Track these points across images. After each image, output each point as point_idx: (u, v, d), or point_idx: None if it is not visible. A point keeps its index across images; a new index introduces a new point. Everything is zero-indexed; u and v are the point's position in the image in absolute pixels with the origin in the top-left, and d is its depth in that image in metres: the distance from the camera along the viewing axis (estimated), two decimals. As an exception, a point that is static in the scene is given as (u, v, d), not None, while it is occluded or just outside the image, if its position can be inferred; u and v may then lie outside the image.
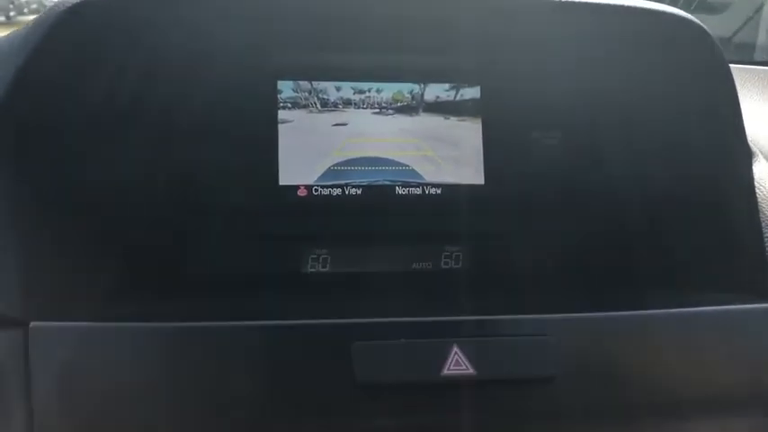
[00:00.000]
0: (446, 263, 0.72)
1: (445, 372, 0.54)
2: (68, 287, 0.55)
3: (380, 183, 0.71)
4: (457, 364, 0.54)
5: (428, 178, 0.72)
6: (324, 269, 0.70)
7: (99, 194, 0.57)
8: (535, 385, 0.55)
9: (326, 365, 0.53)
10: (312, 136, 0.70)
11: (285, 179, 0.68)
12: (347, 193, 0.70)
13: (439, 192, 0.72)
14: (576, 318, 0.57)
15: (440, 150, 0.72)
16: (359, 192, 0.70)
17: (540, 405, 0.55)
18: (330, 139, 0.70)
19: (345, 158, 0.71)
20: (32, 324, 0.53)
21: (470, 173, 0.73)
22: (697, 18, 0.67)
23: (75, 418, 0.51)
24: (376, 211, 0.70)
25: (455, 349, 0.55)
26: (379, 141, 0.72)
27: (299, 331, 0.54)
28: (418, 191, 0.72)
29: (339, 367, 0.53)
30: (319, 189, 0.69)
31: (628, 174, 0.69)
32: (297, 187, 0.69)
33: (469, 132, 0.73)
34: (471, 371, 0.54)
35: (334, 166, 0.70)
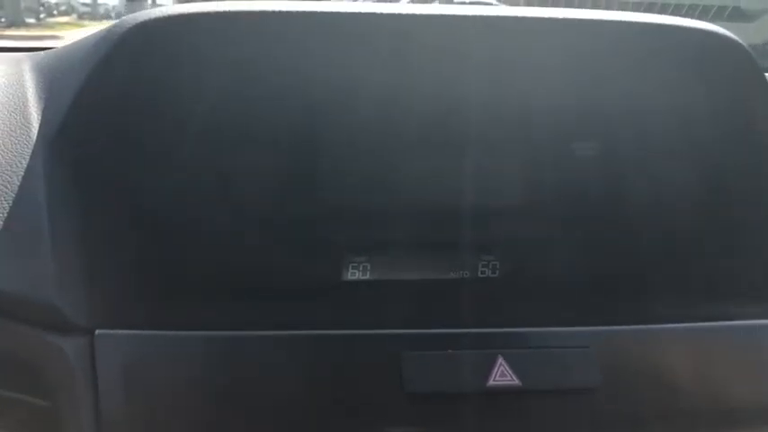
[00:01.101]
0: (483, 272, 0.73)
1: (491, 382, 0.56)
2: (131, 296, 0.57)
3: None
4: (502, 375, 0.56)
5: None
6: (364, 277, 0.71)
7: (160, 205, 0.59)
8: (578, 396, 0.56)
9: (375, 375, 0.55)
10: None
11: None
12: (386, 200, 0.71)
13: (475, 200, 0.73)
14: (618, 330, 0.58)
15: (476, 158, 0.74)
16: (398, 200, 0.72)
17: (582, 415, 0.56)
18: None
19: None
20: (98, 332, 0.55)
21: (508, 182, 0.74)
22: (732, 26, 0.68)
23: (140, 421, 0.53)
24: (414, 219, 0.72)
25: (500, 360, 0.56)
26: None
27: (348, 341, 0.56)
28: (455, 199, 0.73)
29: (387, 377, 0.55)
30: (360, 196, 0.71)
31: (667, 186, 0.70)
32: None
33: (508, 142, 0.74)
34: (516, 381, 0.56)
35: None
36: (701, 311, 0.61)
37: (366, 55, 0.65)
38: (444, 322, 0.58)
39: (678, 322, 0.59)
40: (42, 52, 0.73)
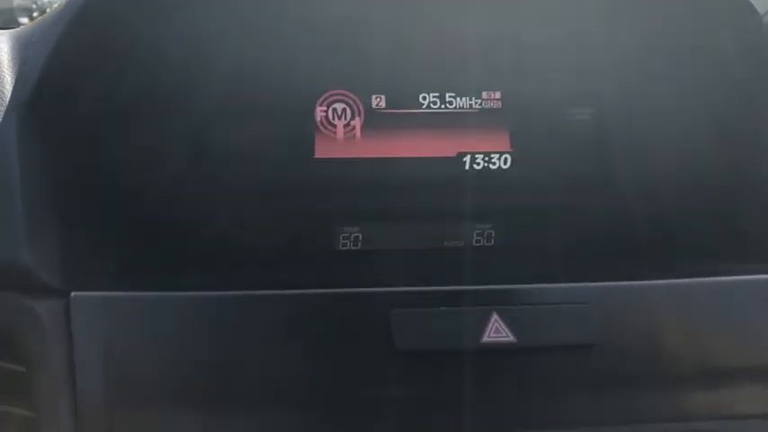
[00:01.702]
0: (478, 241, 0.71)
1: (485, 339, 0.53)
2: (107, 259, 0.55)
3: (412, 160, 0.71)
4: (497, 331, 0.54)
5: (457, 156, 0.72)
6: (355, 247, 0.69)
7: (137, 166, 0.58)
8: (574, 352, 0.54)
9: (367, 332, 0.53)
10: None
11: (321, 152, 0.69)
12: (380, 170, 0.70)
13: (469, 169, 0.71)
14: (616, 286, 0.56)
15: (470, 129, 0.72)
16: (392, 169, 0.70)
17: (578, 372, 0.54)
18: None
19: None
20: (73, 294, 0.53)
21: (501, 150, 0.72)
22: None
23: (117, 385, 0.51)
24: (408, 189, 0.70)
25: (495, 317, 0.54)
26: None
27: (338, 299, 0.54)
28: (449, 168, 0.72)
29: (379, 334, 0.53)
30: (353, 166, 0.69)
31: (664, 147, 0.69)
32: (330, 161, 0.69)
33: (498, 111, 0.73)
34: (511, 338, 0.54)
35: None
36: (697, 268, 0.60)
37: (350, 5, 0.64)
38: (437, 281, 0.55)
39: (675, 278, 0.57)
40: (20, 27, 0.72)
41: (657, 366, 0.55)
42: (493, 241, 0.71)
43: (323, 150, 0.71)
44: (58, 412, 0.51)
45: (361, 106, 0.71)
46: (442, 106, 0.72)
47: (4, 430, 0.53)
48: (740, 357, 0.55)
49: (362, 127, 0.72)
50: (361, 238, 0.71)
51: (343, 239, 0.71)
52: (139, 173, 0.59)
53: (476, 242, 0.71)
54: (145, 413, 0.52)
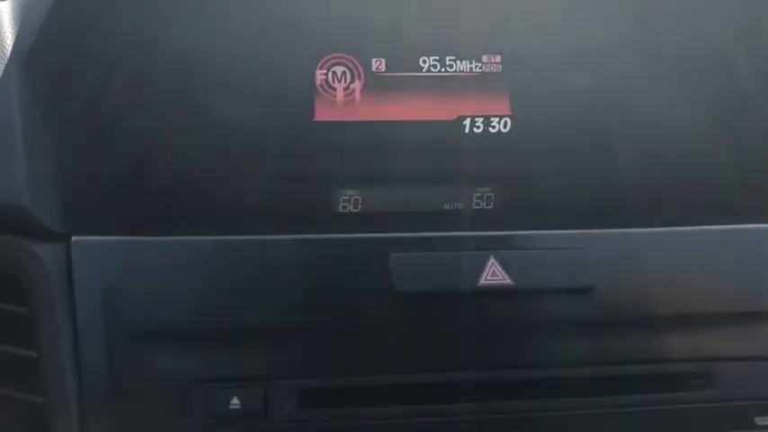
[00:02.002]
0: (477, 203, 0.71)
1: (482, 281, 0.53)
2: (107, 203, 0.55)
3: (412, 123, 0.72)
4: (494, 274, 0.54)
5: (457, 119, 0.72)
6: (355, 210, 0.70)
7: (134, 117, 0.58)
8: (570, 296, 0.54)
9: (367, 275, 0.53)
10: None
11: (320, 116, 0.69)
12: (380, 133, 0.70)
13: (468, 132, 0.72)
14: (609, 233, 0.56)
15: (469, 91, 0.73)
16: (392, 132, 0.70)
17: (573, 315, 0.54)
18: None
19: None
20: (74, 238, 0.54)
21: (501, 114, 0.73)
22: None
23: (118, 329, 0.52)
24: (407, 152, 0.70)
25: (492, 260, 0.54)
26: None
27: (339, 244, 0.55)
28: (448, 131, 0.72)
29: (380, 277, 0.53)
30: (353, 128, 0.70)
31: (655, 96, 0.69)
32: (330, 124, 0.69)
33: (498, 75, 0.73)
34: (508, 281, 0.54)
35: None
36: (690, 216, 0.60)
37: None
38: (437, 228, 0.56)
39: (668, 226, 0.57)
40: None
41: (647, 309, 0.55)
42: (492, 204, 0.71)
43: (323, 113, 0.72)
44: (60, 352, 0.52)
45: (361, 69, 0.72)
46: (442, 70, 0.73)
47: (7, 370, 0.53)
48: (723, 302, 0.55)
49: (362, 90, 0.72)
50: (360, 200, 0.71)
51: (342, 202, 0.71)
52: (138, 121, 0.59)
53: (475, 205, 0.71)
54: (143, 351, 0.52)
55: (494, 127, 0.73)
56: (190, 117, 0.61)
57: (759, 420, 0.54)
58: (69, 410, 0.52)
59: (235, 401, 0.52)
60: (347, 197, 0.71)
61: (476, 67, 0.73)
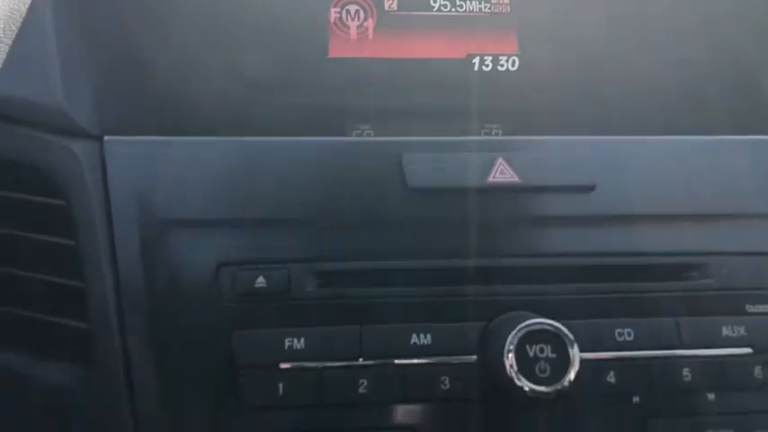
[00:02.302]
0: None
1: (491, 179, 0.55)
2: (139, 102, 0.58)
3: (422, 61, 0.74)
4: (502, 172, 0.55)
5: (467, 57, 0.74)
6: None
7: (164, 23, 0.60)
8: (574, 194, 0.56)
9: (381, 173, 0.55)
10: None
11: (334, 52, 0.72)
12: (392, 70, 0.72)
13: (478, 70, 0.74)
14: (616, 140, 0.58)
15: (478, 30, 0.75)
16: (403, 69, 0.73)
17: (577, 212, 0.56)
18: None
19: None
20: (107, 138, 0.56)
21: (509, 53, 0.75)
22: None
23: (149, 218, 0.53)
24: (418, 89, 0.72)
25: (500, 160, 0.56)
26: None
27: (355, 146, 0.57)
28: (458, 69, 0.74)
29: (392, 174, 0.55)
30: (365, 66, 0.72)
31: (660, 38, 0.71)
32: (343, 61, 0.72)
33: (507, 15, 0.76)
34: (516, 179, 0.55)
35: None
36: (691, 124, 0.62)
37: None
38: (447, 134, 0.58)
39: (669, 134, 0.59)
40: None
41: (645, 207, 0.57)
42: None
43: (336, 50, 0.74)
44: (96, 240, 0.54)
45: (373, 8, 0.75)
46: (453, 9, 0.75)
47: (47, 258, 0.55)
48: (714, 204, 0.57)
49: (375, 28, 0.75)
50: (372, 135, 0.74)
51: (355, 136, 0.73)
52: (167, 30, 0.61)
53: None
54: (174, 238, 0.54)
55: (502, 65, 0.75)
56: (213, 54, 0.64)
57: (750, 308, 0.56)
58: (105, 291, 0.53)
59: (260, 280, 0.53)
60: (360, 131, 0.74)
61: (485, 6, 0.75)
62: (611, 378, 0.54)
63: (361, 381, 0.53)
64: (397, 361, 0.53)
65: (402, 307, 0.54)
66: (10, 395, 0.56)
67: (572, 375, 0.50)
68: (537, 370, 0.51)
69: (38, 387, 0.55)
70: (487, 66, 0.75)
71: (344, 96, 0.73)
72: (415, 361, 0.53)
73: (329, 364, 0.53)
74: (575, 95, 0.74)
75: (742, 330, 0.56)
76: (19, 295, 0.57)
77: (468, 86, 0.74)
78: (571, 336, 0.51)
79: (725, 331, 0.56)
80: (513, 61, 0.75)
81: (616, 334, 0.55)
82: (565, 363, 0.51)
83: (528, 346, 0.51)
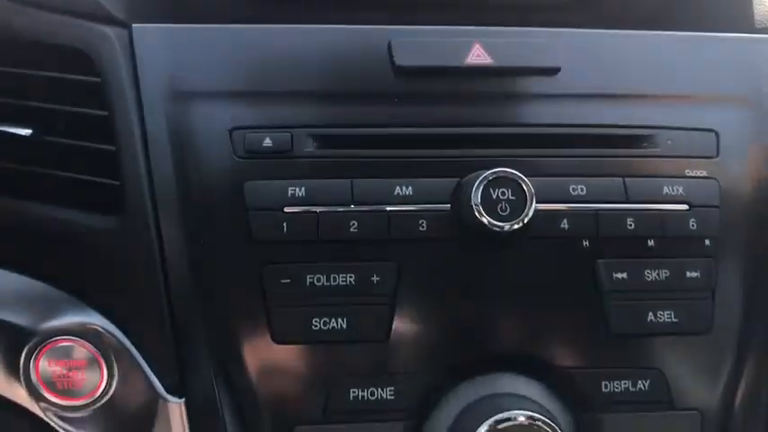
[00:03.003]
0: None
1: (468, 60, 0.65)
2: None
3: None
4: (478, 55, 0.65)
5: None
6: None
7: None
8: (544, 75, 0.65)
9: (370, 55, 0.65)
10: None
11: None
12: None
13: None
14: (576, 31, 0.68)
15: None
16: None
17: (545, 90, 0.65)
18: None
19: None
20: (134, 25, 0.66)
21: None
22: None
23: (174, 90, 0.64)
24: None
25: (477, 45, 0.65)
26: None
27: (351, 31, 0.67)
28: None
29: (380, 55, 0.65)
30: None
31: None
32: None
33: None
34: (490, 60, 0.65)
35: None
36: (647, 19, 0.71)
37: None
38: (429, 20, 0.67)
39: (627, 29, 0.68)
40: None
41: (608, 84, 0.66)
42: None
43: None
44: (127, 111, 0.64)
45: None
46: None
47: (83, 126, 0.66)
48: (666, 86, 0.68)
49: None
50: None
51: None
52: None
53: None
54: (194, 107, 0.64)
55: None
56: None
57: (689, 172, 0.66)
58: (136, 152, 0.64)
59: (267, 141, 0.64)
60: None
61: None
62: (565, 224, 0.63)
63: (352, 222, 0.63)
64: (382, 207, 0.63)
65: (388, 165, 0.64)
66: (53, 239, 0.66)
67: (529, 214, 0.60)
68: (499, 209, 0.60)
69: (77, 230, 0.66)
70: None
71: None
72: (398, 208, 0.63)
73: (325, 209, 0.63)
74: None
75: (680, 190, 0.65)
76: (60, 159, 0.67)
77: None
78: (527, 180, 0.60)
79: (666, 190, 0.65)
80: None
81: (570, 189, 0.64)
82: (522, 203, 0.60)
83: (492, 190, 0.60)
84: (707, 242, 0.65)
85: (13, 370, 0.66)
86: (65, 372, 0.65)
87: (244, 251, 0.63)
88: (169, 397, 0.62)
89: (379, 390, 0.61)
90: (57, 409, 0.65)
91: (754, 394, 0.65)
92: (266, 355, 0.62)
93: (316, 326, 0.61)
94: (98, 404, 0.65)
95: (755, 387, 0.65)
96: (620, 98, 0.67)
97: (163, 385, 0.63)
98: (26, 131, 0.68)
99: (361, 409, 0.61)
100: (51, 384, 0.65)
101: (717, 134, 0.68)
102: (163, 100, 0.65)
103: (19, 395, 0.67)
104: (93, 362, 0.65)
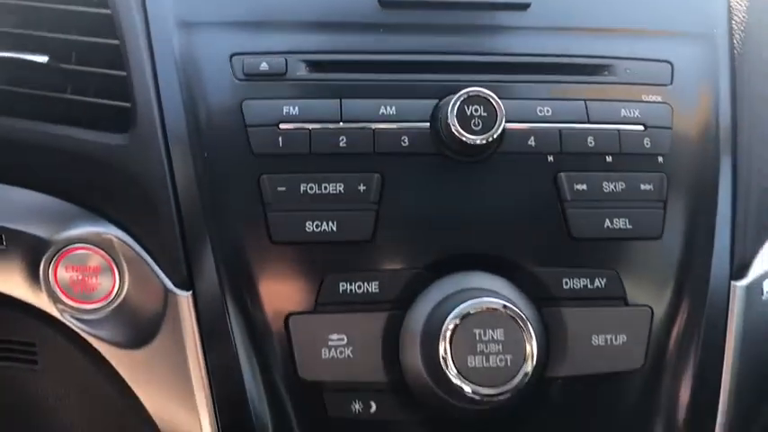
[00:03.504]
0: None
1: None
2: None
3: None
4: None
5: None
6: None
7: None
8: (513, 9, 0.73)
9: None
10: None
11: None
12: None
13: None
14: None
15: None
16: None
17: (516, 23, 0.73)
18: None
19: None
20: None
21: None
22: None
23: (181, 28, 0.73)
24: None
25: None
26: None
27: None
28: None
29: None
30: None
31: None
32: None
33: None
34: None
35: None
36: None
37: None
38: None
39: None
40: None
41: (574, 18, 0.74)
42: None
43: None
44: (137, 40, 0.72)
45: None
46: None
47: (99, 56, 0.73)
48: (626, 20, 0.77)
49: None
50: None
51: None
52: None
53: None
54: (201, 34, 0.72)
55: None
56: None
57: (645, 97, 0.74)
58: (146, 78, 0.71)
59: (263, 65, 0.71)
60: None
61: None
62: (532, 141, 0.71)
63: (341, 138, 0.70)
64: (368, 124, 0.70)
65: (374, 88, 0.71)
66: (68, 157, 0.73)
67: (499, 129, 0.67)
68: (472, 124, 0.67)
69: (91, 147, 0.72)
70: None
71: None
72: (383, 125, 0.70)
73: (317, 125, 0.70)
74: None
75: (637, 113, 0.73)
76: (75, 85, 0.74)
77: None
78: (498, 98, 0.68)
79: (623, 112, 0.73)
80: None
81: (537, 110, 0.72)
82: (493, 120, 0.68)
83: (466, 107, 0.68)
84: (659, 159, 0.73)
85: (34, 278, 0.73)
86: (80, 277, 0.72)
87: (244, 163, 0.70)
88: (178, 291, 0.69)
89: (366, 284, 0.69)
90: (73, 311, 0.73)
91: (698, 292, 0.72)
92: (264, 254, 0.69)
93: (309, 228, 0.69)
94: (111, 307, 0.72)
95: (699, 287, 0.73)
96: (584, 31, 0.75)
97: (172, 282, 0.70)
98: (43, 58, 0.74)
99: (349, 300, 0.69)
100: (68, 289, 0.72)
101: (671, 65, 0.76)
102: (169, 30, 0.72)
103: (41, 300, 0.74)
104: (106, 268, 0.72)
